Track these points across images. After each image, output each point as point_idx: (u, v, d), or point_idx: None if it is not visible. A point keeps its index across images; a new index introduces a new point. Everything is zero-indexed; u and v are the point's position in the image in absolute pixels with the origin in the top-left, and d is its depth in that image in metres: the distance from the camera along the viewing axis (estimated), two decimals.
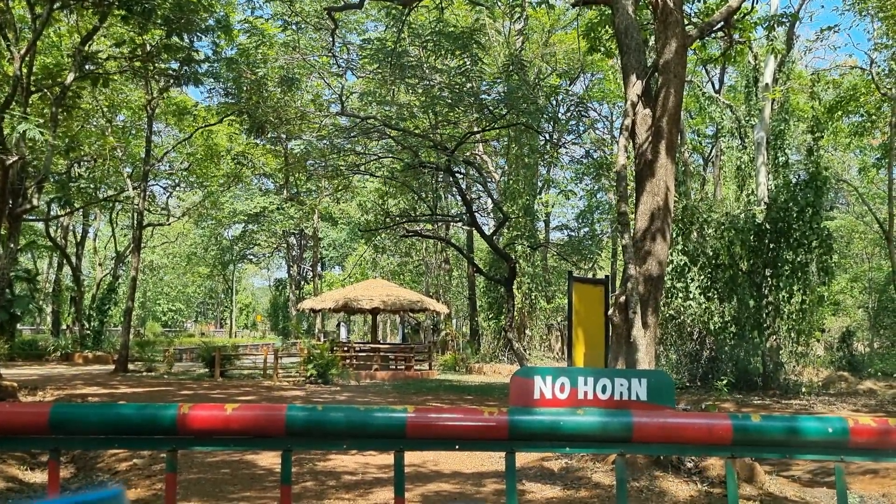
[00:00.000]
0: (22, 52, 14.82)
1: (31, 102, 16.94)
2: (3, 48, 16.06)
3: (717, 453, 3.14)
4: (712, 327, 18.47)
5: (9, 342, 26.47)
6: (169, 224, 36.24)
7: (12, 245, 16.13)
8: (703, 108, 25.40)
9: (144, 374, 21.99)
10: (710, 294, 18.64)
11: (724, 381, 15.63)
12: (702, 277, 18.59)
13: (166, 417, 3.05)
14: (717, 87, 27.71)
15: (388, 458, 7.69)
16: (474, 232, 27.27)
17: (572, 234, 37.98)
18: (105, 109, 26.16)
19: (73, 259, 33.26)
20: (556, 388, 3.05)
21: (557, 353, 31.08)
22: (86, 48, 17.73)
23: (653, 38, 10.43)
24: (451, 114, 21.66)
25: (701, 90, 25.01)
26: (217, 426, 3.09)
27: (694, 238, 18.87)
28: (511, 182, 28.85)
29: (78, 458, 8.69)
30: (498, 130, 24.26)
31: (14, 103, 14.62)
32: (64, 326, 35.98)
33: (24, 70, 15.19)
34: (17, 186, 15.75)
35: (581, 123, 29.25)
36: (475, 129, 22.36)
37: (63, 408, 3.16)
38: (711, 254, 18.72)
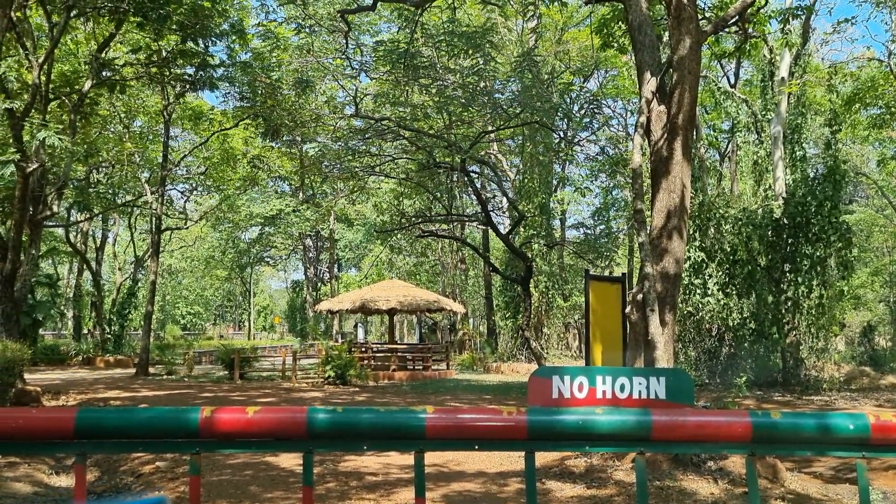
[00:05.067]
0: (40, 60, 15.00)
1: (49, 110, 17.11)
2: (22, 57, 16.26)
3: (738, 451, 3.14)
4: (731, 324, 18.36)
5: (31, 347, 26.66)
6: (187, 228, 36.50)
7: (34, 251, 16.33)
8: (718, 103, 25.22)
9: (165, 377, 22.18)
10: (728, 290, 18.52)
11: (744, 378, 15.54)
12: (720, 274, 18.48)
13: (189, 421, 3.09)
14: (732, 81, 27.52)
15: (410, 459, 7.71)
16: (490, 231, 27.26)
17: (588, 231, 37.88)
18: (122, 115, 26.40)
19: (93, 264, 33.58)
20: (575, 388, 3.06)
21: (575, 351, 30.99)
22: (102, 55, 17.90)
23: (667, 34, 10.39)
24: (465, 113, 21.67)
25: (716, 85, 24.85)
26: (239, 429, 3.13)
27: (711, 234, 18.76)
28: (526, 180, 28.80)
29: (102, 461, 8.79)
30: (512, 129, 24.23)
31: (33, 111, 14.81)
32: (85, 331, 36.35)
33: (43, 78, 15.36)
34: (38, 193, 15.94)
35: (595, 120, 29.12)
36: (489, 129, 22.35)
37: (88, 412, 3.21)
38: (729, 250, 18.60)
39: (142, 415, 3.32)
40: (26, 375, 15.43)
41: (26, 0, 15.25)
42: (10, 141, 14.75)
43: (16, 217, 14.88)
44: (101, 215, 32.46)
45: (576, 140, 30.41)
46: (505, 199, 28.89)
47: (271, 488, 7.01)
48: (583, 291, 13.04)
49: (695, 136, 16.19)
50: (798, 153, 19.97)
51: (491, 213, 23.27)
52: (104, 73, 18.08)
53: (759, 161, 21.16)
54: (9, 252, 14.49)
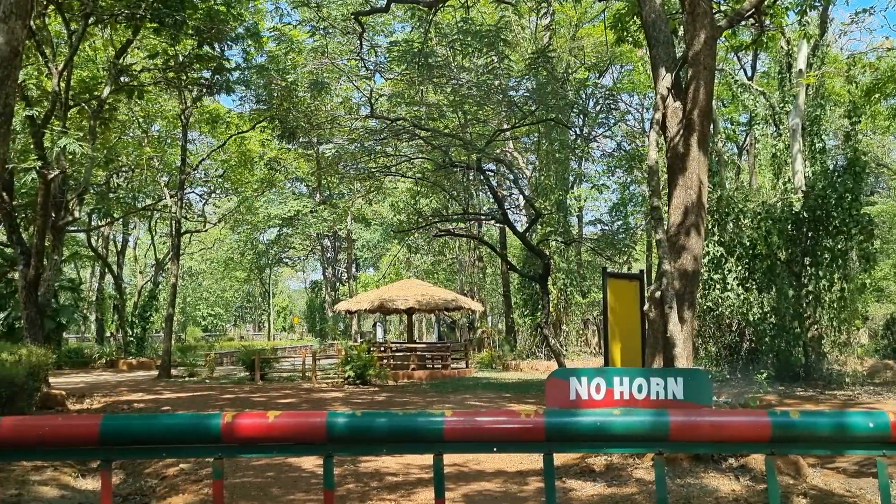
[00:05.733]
0: (59, 67, 15.20)
1: (69, 116, 17.34)
2: (42, 64, 16.47)
3: (757, 451, 3.13)
4: (751, 318, 18.22)
5: (56, 351, 27.07)
6: (206, 230, 36.78)
7: (56, 256, 16.55)
8: (735, 96, 24.99)
9: (187, 378, 22.39)
10: (748, 285, 18.38)
11: (765, 374, 15.42)
12: (739, 268, 18.34)
13: (212, 426, 3.13)
14: (749, 73, 27.27)
15: (430, 459, 7.74)
16: (507, 229, 27.24)
17: (606, 228, 37.69)
18: (141, 120, 26.68)
19: (115, 268, 33.97)
20: (592, 389, 3.07)
21: (594, 348, 30.90)
22: (120, 61, 18.10)
23: (682, 28, 10.33)
24: (480, 112, 21.66)
25: (733, 78, 24.62)
26: (260, 434, 3.17)
27: (730, 229, 18.62)
28: (542, 178, 28.74)
29: (126, 463, 8.91)
30: (528, 127, 24.19)
31: (53, 118, 15.01)
32: (108, 334, 36.80)
33: (63, 85, 15.57)
34: (59, 199, 16.16)
35: (611, 116, 28.97)
36: (504, 127, 22.32)
37: (112, 420, 3.27)
38: (748, 244, 18.46)
39: (165, 421, 3.38)
40: (51, 379, 15.66)
41: (45, 8, 15.46)
42: (32, 148, 14.97)
43: (38, 223, 15.11)
44: (121, 219, 32.83)
45: (592, 136, 30.30)
46: (521, 197, 28.86)
47: (293, 490, 7.07)
48: (601, 288, 13.01)
49: (711, 131, 16.08)
50: (817, 145, 19.77)
51: (508, 210, 23.27)
52: (122, 79, 18.28)
53: (778, 154, 20.97)
54: (32, 258, 14.70)
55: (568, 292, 28.19)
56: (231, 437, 3.16)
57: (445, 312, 31.24)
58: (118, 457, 3.30)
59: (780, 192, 19.92)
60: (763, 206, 18.91)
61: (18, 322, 18.90)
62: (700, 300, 16.67)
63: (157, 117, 27.97)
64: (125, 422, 3.36)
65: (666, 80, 8.48)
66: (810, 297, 18.17)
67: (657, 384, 3.13)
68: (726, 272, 18.24)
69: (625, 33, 14.25)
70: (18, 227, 15.87)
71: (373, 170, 25.24)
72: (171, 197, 26.14)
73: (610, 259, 29.71)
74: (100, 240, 34.19)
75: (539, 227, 26.59)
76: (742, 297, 18.20)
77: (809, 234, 18.18)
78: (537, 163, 30.49)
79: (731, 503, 6.20)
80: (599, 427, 2.94)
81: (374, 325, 44.35)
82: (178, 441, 3.26)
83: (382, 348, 24.22)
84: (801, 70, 20.10)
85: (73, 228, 23.42)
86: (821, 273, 17.99)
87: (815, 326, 18.16)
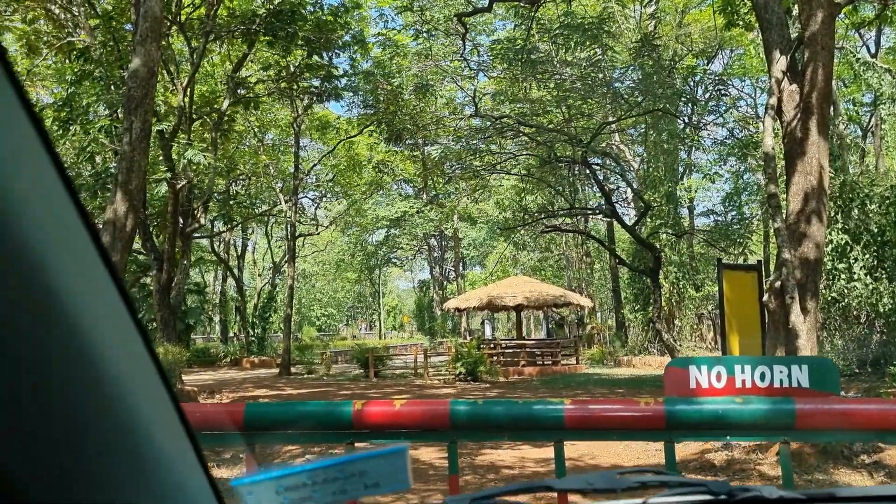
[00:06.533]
0: (184, 84, 16.19)
1: (192, 129, 18.44)
2: (167, 81, 17.59)
3: (893, 441, 3.04)
4: (882, 309, 17.16)
5: (186, 350, 28.87)
6: (318, 233, 38.11)
7: (185, 261, 17.63)
8: (858, 75, 23.58)
9: (305, 375, 23.32)
10: (877, 274, 17.33)
11: None
12: (866, 256, 17.32)
13: (343, 414, 3.35)
14: (873, 50, 25.68)
15: (544, 452, 7.81)
16: (615, 223, 26.80)
17: (719, 218, 36.37)
18: (256, 130, 27.96)
19: (236, 271, 35.76)
20: (713, 377, 3.07)
21: (710, 343, 29.88)
22: (237, 75, 19.08)
23: (796, 8, 9.92)
24: (585, 106, 21.43)
25: (855, 56, 23.25)
26: (387, 421, 3.36)
27: (855, 215, 17.62)
28: (651, 170, 28.11)
29: (258, 455, 9.40)
30: (634, 118, 23.74)
31: (180, 131, 16.01)
32: (231, 334, 38.77)
33: (187, 100, 16.58)
34: (186, 207, 17.22)
35: (722, 103, 27.97)
36: (610, 120, 22.00)
37: (255, 407, 3.54)
38: (876, 231, 17.40)
39: (301, 408, 3.63)
40: (183, 376, 16.70)
41: (168, 29, 16.52)
42: (161, 160, 16.03)
43: (169, 230, 16.15)
44: (241, 225, 34.52)
45: (702, 124, 29.35)
46: (629, 190, 28.31)
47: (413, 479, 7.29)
48: (716, 281, 12.64)
49: (832, 113, 15.30)
50: None
51: (615, 204, 22.90)
52: (239, 92, 19.25)
53: None
54: (164, 263, 15.74)
55: (680, 286, 27.43)
56: (361, 423, 3.36)
57: (553, 309, 31.05)
58: (260, 441, 3.56)
59: None
60: (891, 190, 17.77)
61: (151, 324, 20.24)
62: (823, 291, 15.88)
63: (271, 126, 29.23)
64: (266, 409, 3.62)
65: (781, 63, 8.18)
66: None
67: (780, 372, 3.09)
68: (852, 261, 17.27)
69: (735, 17, 13.80)
70: (151, 234, 17.02)
71: (478, 168, 25.44)
72: (286, 202, 27.27)
73: (724, 250, 28.67)
74: (221, 245, 36.04)
75: (648, 219, 26.01)
76: (871, 286, 17.18)
77: None
78: (645, 154, 29.84)
79: None
80: (721, 415, 2.93)
81: (482, 323, 44.60)
82: (315, 427, 3.49)
83: (492, 345, 24.37)
84: None
85: (198, 235, 24.86)
86: None
87: None
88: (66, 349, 0.57)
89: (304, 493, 0.68)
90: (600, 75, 19.81)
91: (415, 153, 32.74)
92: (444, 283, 49.76)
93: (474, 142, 23.47)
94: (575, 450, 8.32)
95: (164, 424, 0.67)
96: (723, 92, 27.22)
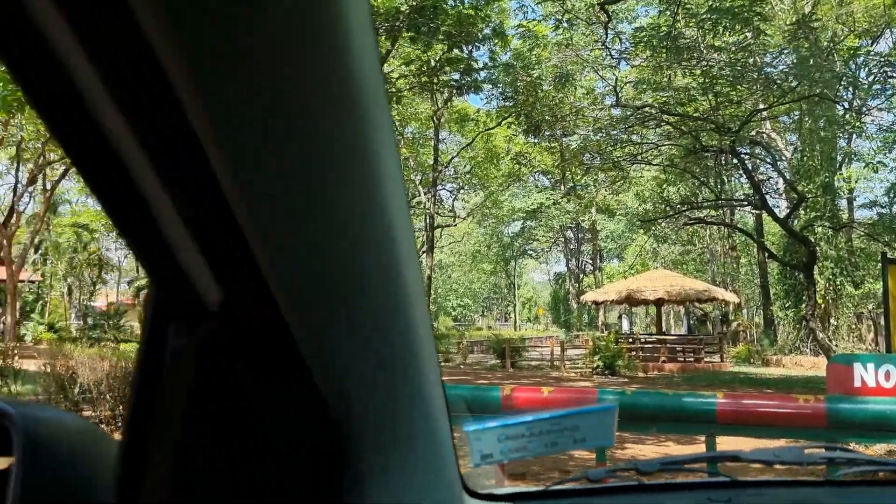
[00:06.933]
0: None
1: None
2: None
3: None
4: None
5: None
6: (455, 225, 38.73)
7: None
8: None
9: (443, 363, 23.85)
10: None
11: None
12: None
13: (492, 398, 3.47)
14: None
15: (688, 448, 7.63)
16: (763, 215, 25.49)
17: (883, 210, 33.66)
18: (397, 123, 28.79)
19: None
20: (881, 376, 2.93)
21: (870, 345, 27.81)
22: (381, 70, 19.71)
23: None
24: (733, 92, 20.50)
25: None
26: (537, 406, 3.45)
27: None
28: (805, 159, 26.51)
29: None
30: (788, 105, 22.45)
31: None
32: None
33: None
34: None
35: (888, 86, 25.84)
36: (761, 107, 20.93)
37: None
38: None
39: (450, 392, 3.77)
40: None
41: None
42: None
43: None
44: None
45: (864, 110, 27.30)
46: (781, 181, 26.84)
47: (553, 468, 7.35)
48: (878, 277, 11.79)
49: None
50: None
51: (765, 195, 21.79)
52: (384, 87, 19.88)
53: None
54: None
55: (838, 282, 25.74)
56: (509, 407, 3.47)
57: (696, 304, 29.98)
58: None
59: None
60: None
61: None
62: None
63: (411, 119, 29.99)
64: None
65: None
66: None
67: None
68: None
69: None
70: None
71: (617, 159, 24.95)
72: (425, 194, 27.92)
73: (888, 245, 26.57)
74: None
75: (802, 212, 24.56)
76: None
77: None
78: (799, 143, 28.17)
79: None
80: (889, 416, 2.81)
81: (619, 317, 43.75)
82: (461, 410, 3.64)
83: (630, 339, 23.91)
84: None
85: None
86: None
87: None
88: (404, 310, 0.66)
89: (520, 444, 0.77)
90: (751, 60, 18.86)
91: (553, 144, 32.56)
92: (581, 275, 49.18)
93: (614, 132, 23.02)
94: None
95: (434, 368, 0.75)
96: (889, 74, 25.13)
